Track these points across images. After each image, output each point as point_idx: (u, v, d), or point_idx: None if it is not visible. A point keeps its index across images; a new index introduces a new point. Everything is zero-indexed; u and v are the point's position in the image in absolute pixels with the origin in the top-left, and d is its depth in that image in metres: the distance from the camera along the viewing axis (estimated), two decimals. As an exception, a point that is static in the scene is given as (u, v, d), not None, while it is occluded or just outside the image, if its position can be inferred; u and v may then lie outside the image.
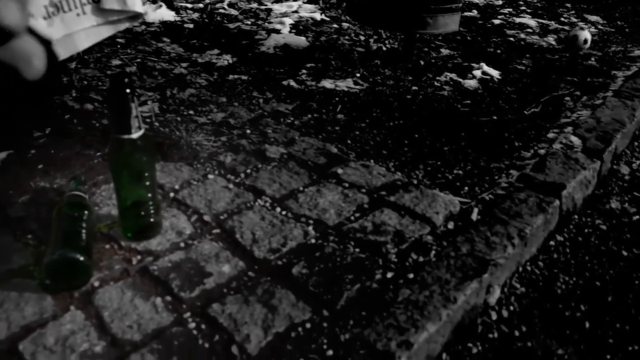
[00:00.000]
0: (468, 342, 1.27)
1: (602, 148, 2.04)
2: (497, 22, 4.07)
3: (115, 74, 1.16)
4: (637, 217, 1.82)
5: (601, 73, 3.04)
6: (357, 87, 2.56)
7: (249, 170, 1.68)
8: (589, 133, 2.18)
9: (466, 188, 1.74)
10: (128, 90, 1.15)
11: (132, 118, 1.18)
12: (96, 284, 1.21)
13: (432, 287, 1.26)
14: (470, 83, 2.75)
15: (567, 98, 2.67)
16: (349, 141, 1.98)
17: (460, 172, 1.85)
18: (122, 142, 1.20)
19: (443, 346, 1.21)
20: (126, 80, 1.15)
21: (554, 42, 3.59)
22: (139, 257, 1.29)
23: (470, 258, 1.37)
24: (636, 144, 2.32)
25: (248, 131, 1.95)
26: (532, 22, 4.12)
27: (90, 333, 1.09)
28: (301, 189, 1.60)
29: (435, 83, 2.69)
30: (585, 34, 3.30)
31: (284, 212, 1.48)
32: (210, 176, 1.64)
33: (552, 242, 1.65)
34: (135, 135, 1.20)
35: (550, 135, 2.20)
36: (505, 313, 1.37)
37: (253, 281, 1.23)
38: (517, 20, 4.18)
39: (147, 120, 1.96)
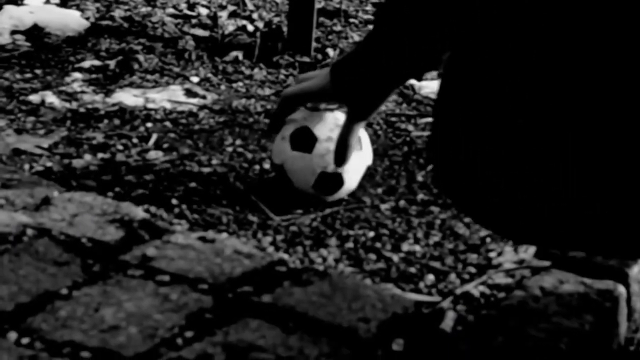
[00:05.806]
0: None
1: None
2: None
3: None
4: None
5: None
6: (193, 100, 2.66)
7: None
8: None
9: (431, 277, 1.80)
10: None
11: None
12: None
13: None
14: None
15: None
16: (174, 200, 2.06)
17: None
18: None
19: None
20: None
21: None
22: None
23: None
24: None
25: None
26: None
27: None
28: (65, 292, 1.64)
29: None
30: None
31: (25, 340, 1.50)
32: None
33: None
34: None
35: None
36: None
37: None
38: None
39: None
